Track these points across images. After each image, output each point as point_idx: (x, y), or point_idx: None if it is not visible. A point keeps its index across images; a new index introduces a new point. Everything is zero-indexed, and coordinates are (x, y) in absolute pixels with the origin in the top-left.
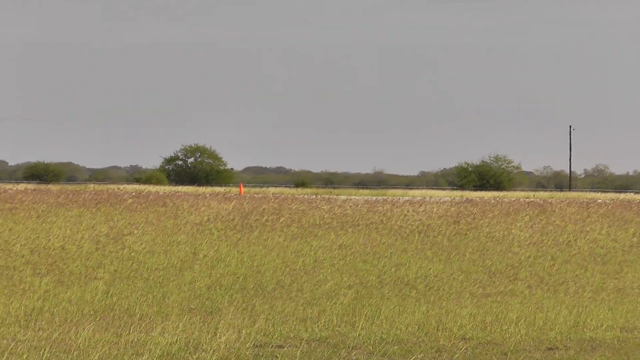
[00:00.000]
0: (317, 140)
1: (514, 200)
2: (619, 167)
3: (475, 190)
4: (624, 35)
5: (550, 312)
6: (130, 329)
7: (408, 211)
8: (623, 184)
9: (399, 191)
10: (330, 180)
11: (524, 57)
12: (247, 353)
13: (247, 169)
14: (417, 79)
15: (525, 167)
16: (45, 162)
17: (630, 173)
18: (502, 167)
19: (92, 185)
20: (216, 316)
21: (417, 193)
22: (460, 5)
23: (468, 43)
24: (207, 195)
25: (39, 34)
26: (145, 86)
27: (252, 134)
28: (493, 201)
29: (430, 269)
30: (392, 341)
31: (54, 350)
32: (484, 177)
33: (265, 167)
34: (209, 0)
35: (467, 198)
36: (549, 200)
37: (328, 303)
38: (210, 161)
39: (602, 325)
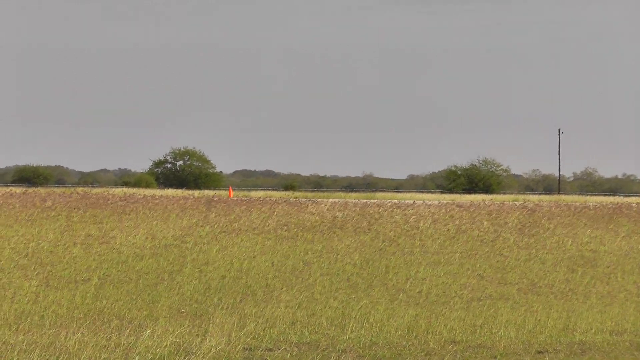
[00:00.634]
0: (306, 143)
1: (503, 204)
2: (607, 170)
3: (464, 193)
4: (614, 38)
5: (540, 316)
6: (120, 333)
7: (397, 214)
8: (612, 187)
9: (388, 194)
10: (319, 184)
11: (514, 59)
12: (237, 356)
13: (236, 172)
14: (408, 81)
15: (514, 171)
16: (34, 165)
17: (619, 176)
18: (491, 170)
19: (80, 188)
20: (206, 319)
21: (406, 196)
22: (451, 7)
23: (460, 45)
24: (197, 198)
25: (30, 35)
26: (135, 88)
27: (241, 136)
28: (482, 204)
29: (418, 272)
30: (382, 344)
31: (43, 353)
32: (473, 181)
33: (254, 170)
34: (202, 1)
35: (455, 201)
36: (538, 203)
37: (317, 306)
38: (199, 164)
39: (591, 329)
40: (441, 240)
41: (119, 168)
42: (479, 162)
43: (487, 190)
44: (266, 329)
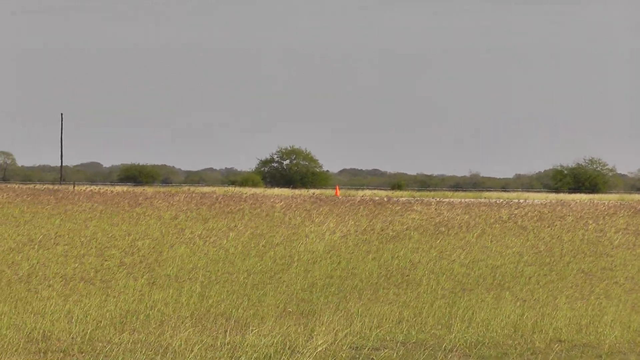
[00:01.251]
0: (412, 142)
1: (610, 203)
2: None
3: (571, 192)
4: None
5: None
6: (226, 332)
7: (504, 213)
8: None
9: (495, 193)
10: (426, 183)
11: (616, 58)
12: (344, 355)
13: (342, 171)
14: (507, 81)
15: (620, 170)
16: (140, 164)
17: None
18: (597, 169)
19: (186, 187)
20: (312, 318)
21: (512, 195)
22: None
23: (561, 44)
24: (303, 196)
25: (121, 37)
26: (239, 89)
27: (348, 136)
28: (589, 204)
29: (525, 270)
30: (487, 344)
31: (149, 352)
32: (579, 180)
33: (361, 170)
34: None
35: (562, 200)
36: None
37: (424, 305)
38: (306, 163)
39: None
40: (547, 239)
41: (225, 167)
42: (585, 162)
43: (593, 189)
44: (372, 328)
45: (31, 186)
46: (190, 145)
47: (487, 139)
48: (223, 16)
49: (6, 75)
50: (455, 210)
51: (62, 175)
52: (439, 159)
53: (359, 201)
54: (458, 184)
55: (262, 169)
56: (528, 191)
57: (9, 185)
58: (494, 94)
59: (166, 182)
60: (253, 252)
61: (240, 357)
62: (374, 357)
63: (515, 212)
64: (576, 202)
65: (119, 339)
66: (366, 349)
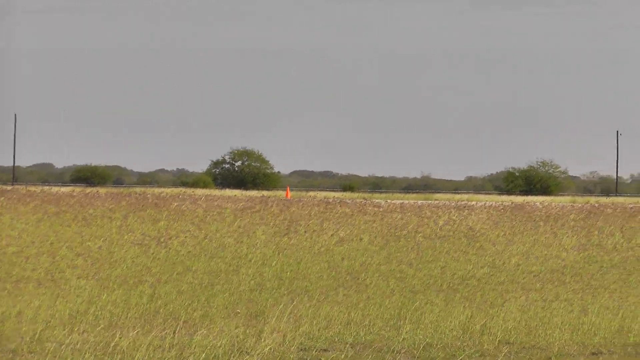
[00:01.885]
0: (364, 144)
1: (561, 205)
2: None
3: (522, 194)
4: None
5: (595, 317)
6: (174, 332)
7: (454, 215)
8: None
9: (446, 195)
10: (377, 185)
11: (571, 61)
12: (292, 357)
13: (294, 173)
14: (467, 84)
15: (572, 172)
16: (93, 164)
17: None
18: (548, 172)
19: (139, 188)
20: (261, 319)
21: (464, 197)
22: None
23: (517, 45)
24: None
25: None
26: (193, 89)
27: (300, 138)
28: (540, 206)
29: (475, 272)
30: (436, 345)
31: (97, 353)
32: (531, 182)
33: (313, 171)
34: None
35: (514, 203)
36: (596, 205)
37: (373, 307)
38: (258, 164)
39: None
40: (497, 241)
41: (177, 168)
42: (537, 164)
43: (545, 191)
44: (321, 329)
45: None
46: (143, 146)
47: (439, 141)
48: (173, 14)
49: None
50: (406, 213)
51: (14, 175)
52: (390, 161)
53: (309, 203)
54: (410, 186)
55: (214, 170)
56: (478, 193)
57: None
58: (445, 96)
59: (118, 183)
60: (203, 253)
61: (188, 357)
62: (322, 359)
63: (466, 214)
64: (528, 204)
65: (69, 339)
66: (315, 350)
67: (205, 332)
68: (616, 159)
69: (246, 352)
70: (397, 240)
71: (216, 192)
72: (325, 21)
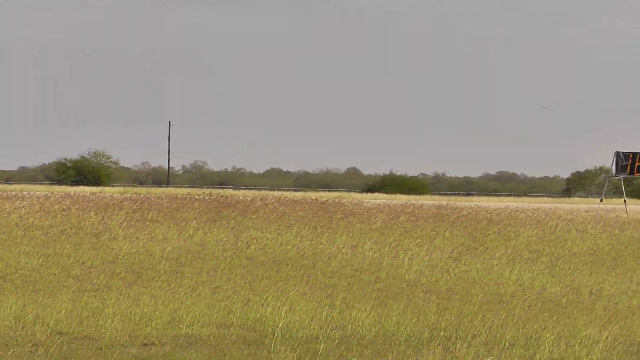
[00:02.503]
0: None
1: (110, 196)
2: (217, 164)
3: (74, 185)
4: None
5: (147, 308)
6: None
7: (6, 205)
8: (222, 180)
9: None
10: None
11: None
12: None
13: None
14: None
15: (124, 163)
16: None
17: (229, 169)
18: (100, 162)
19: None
20: None
21: (16, 188)
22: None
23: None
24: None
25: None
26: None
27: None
28: (91, 196)
29: (27, 263)
30: None
31: None
32: (82, 173)
33: None
34: None
35: (67, 193)
36: (148, 195)
37: None
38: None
39: (198, 322)
40: (49, 232)
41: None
42: (89, 155)
43: (97, 182)
44: None
45: None
46: None
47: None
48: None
49: None
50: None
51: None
52: None
53: None
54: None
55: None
56: (32, 183)
57: None
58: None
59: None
60: None
61: None
62: None
63: (18, 204)
64: (80, 195)
65: None
66: None
67: None
68: (168, 150)
69: None
70: None
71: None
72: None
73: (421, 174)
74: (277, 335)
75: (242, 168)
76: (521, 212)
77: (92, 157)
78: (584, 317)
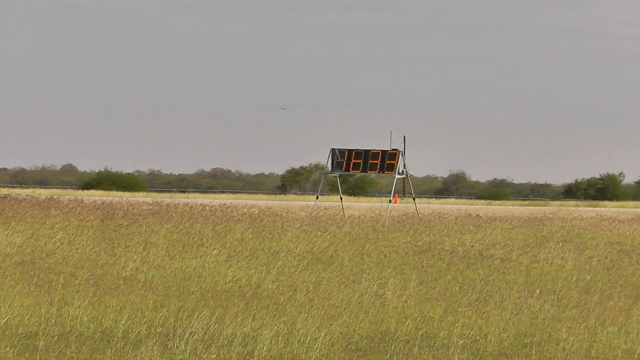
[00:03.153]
0: None
1: None
2: None
3: None
4: None
5: None
6: None
7: None
8: None
9: None
10: None
11: None
12: None
13: None
14: None
15: None
16: None
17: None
18: None
19: None
20: None
21: None
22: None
23: None
24: None
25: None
26: None
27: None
28: None
29: None
30: None
31: None
32: None
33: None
34: None
35: None
36: None
37: None
38: None
39: None
40: None
41: None
42: None
43: None
44: None
45: None
46: None
47: None
48: None
49: None
50: None
51: None
52: None
53: None
54: None
55: None
56: None
57: None
58: None
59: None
60: None
61: None
62: None
63: None
64: None
65: None
66: None
67: None
68: None
69: None
70: None
71: None
72: None
73: (136, 170)
74: None
75: None
76: (236, 209)
77: None
78: (302, 314)
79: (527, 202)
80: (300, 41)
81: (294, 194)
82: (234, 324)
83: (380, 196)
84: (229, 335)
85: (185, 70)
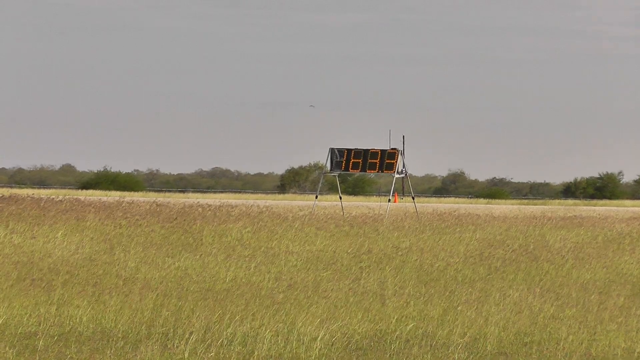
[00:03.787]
0: None
1: None
2: None
3: None
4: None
5: None
6: None
7: None
8: None
9: None
10: None
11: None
12: None
13: None
14: None
15: None
16: None
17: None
18: None
19: None
20: None
21: None
22: None
23: None
24: None
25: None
26: None
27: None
28: None
29: None
30: None
31: None
32: None
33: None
34: None
35: None
36: None
37: None
38: None
39: None
40: None
41: None
42: None
43: None
44: None
45: None
46: None
47: None
48: None
49: None
50: None
51: None
52: None
53: None
54: None
55: None
56: None
57: None
58: None
59: None
60: None
61: None
62: None
63: None
64: None
65: None
66: None
67: None
68: None
69: None
70: None
71: None
72: None
73: (135, 170)
74: None
75: None
76: (235, 208)
77: None
78: (302, 314)
79: (525, 200)
80: (299, 41)
81: (293, 193)
82: (233, 324)
83: (379, 195)
84: (228, 334)
85: (185, 70)
